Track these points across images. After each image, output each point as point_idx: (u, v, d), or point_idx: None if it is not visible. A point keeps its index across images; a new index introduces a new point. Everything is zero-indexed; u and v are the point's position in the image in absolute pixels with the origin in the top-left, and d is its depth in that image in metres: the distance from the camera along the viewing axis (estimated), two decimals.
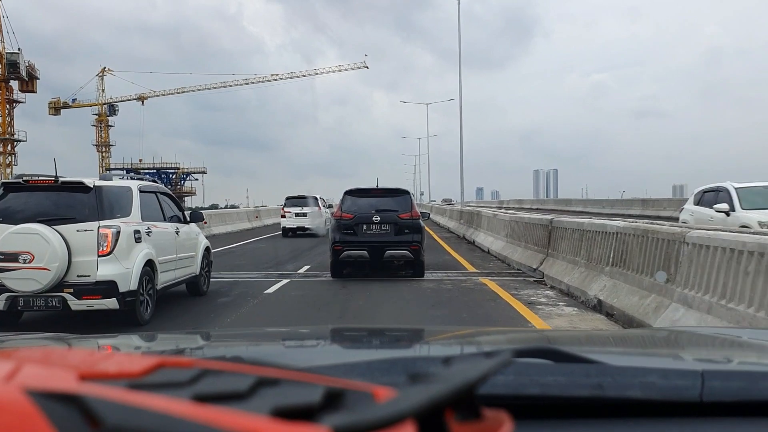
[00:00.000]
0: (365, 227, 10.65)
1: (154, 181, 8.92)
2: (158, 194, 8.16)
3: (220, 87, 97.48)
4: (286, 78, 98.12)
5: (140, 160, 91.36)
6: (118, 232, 6.59)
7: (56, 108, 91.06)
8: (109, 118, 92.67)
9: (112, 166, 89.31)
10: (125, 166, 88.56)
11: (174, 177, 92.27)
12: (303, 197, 24.56)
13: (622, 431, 0.89)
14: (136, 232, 6.94)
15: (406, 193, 11.46)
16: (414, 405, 0.50)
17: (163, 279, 7.56)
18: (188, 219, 8.89)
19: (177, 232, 8.21)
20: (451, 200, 65.94)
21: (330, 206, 24.42)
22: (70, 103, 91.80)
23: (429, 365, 0.90)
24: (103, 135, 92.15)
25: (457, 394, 0.55)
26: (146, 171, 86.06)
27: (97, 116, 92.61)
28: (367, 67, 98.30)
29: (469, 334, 2.18)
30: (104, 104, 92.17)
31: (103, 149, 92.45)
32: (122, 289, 6.48)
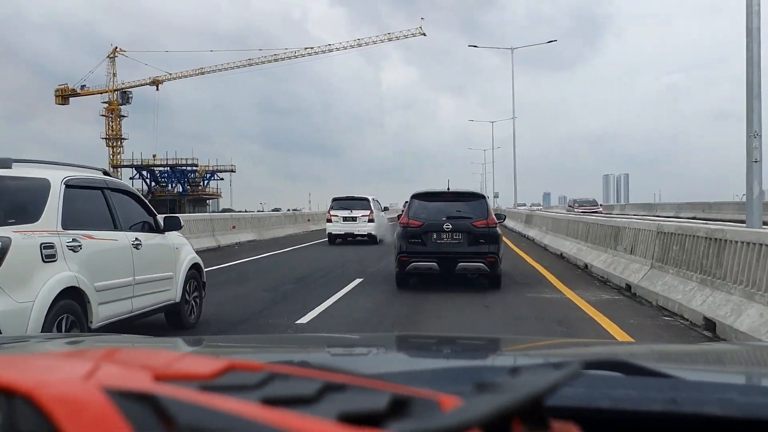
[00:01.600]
0: (435, 236, 9.59)
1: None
2: (107, 191, 5.85)
3: (245, 65, 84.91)
4: (324, 52, 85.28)
5: (154, 156, 79.61)
6: (6, 247, 4.40)
7: (63, 96, 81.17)
8: (122, 107, 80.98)
9: (123, 162, 79.12)
10: (135, 163, 78.41)
11: (194, 176, 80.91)
12: (353, 198, 21.72)
13: None
14: (47, 246, 4.72)
15: (481, 197, 10.42)
16: (481, 414, 0.50)
17: (106, 313, 5.34)
18: (162, 227, 6.67)
19: (136, 246, 5.95)
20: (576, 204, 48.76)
21: (386, 209, 23.28)
22: (79, 90, 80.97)
23: (496, 375, 0.88)
24: (114, 127, 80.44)
25: (525, 404, 0.54)
26: (160, 168, 78.61)
27: (107, 105, 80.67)
28: (425, 35, 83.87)
29: (538, 344, 2.15)
30: (115, 91, 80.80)
31: (114, 143, 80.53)
32: (9, 334, 4.06)
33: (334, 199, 21.98)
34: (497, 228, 9.80)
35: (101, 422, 0.46)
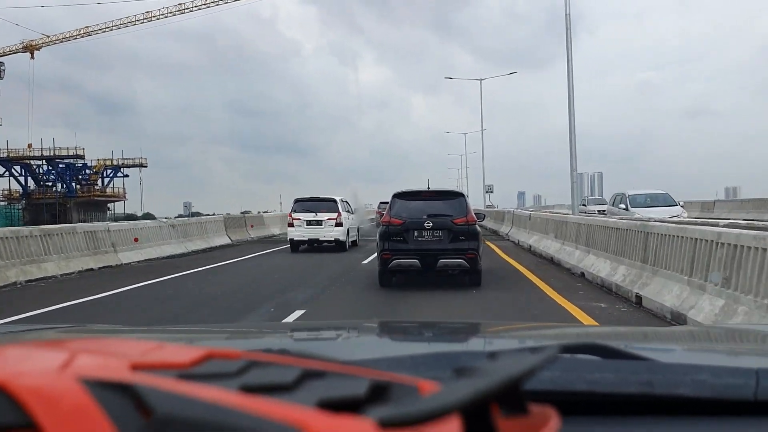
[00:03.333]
0: (416, 234, 9.79)
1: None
2: None
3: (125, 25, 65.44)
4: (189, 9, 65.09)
5: (29, 146, 61.94)
6: None
7: None
8: None
9: None
10: (1, 154, 60.40)
11: (88, 173, 63.95)
12: (318, 199, 18.91)
13: (671, 429, 0.87)
14: None
15: (460, 195, 10.58)
16: (459, 399, 0.50)
17: None
18: None
19: None
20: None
21: (353, 211, 20.29)
22: None
23: (474, 360, 0.89)
24: None
25: (503, 388, 0.55)
26: (38, 162, 61.20)
27: None
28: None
29: (516, 329, 2.17)
30: None
31: None
32: None
33: (297, 201, 19.18)
34: (477, 225, 9.98)
35: (78, 412, 0.46)
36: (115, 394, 0.49)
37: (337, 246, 18.16)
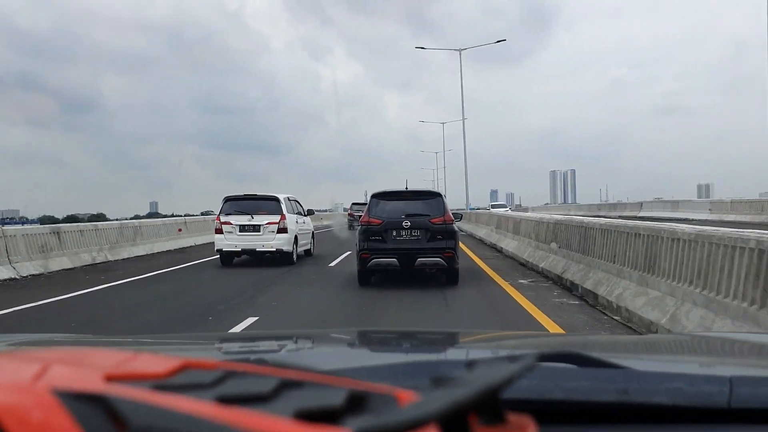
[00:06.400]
0: (395, 233, 9.96)
1: None
2: None
3: None
4: None
5: None
6: None
7: None
8: None
9: None
10: None
11: None
12: (255, 197, 14.73)
13: None
14: None
15: (438, 195, 10.74)
16: (437, 409, 0.50)
17: None
18: None
19: None
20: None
21: (310, 213, 16.77)
22: None
23: (452, 369, 0.89)
24: None
25: (481, 398, 0.55)
26: None
27: None
28: None
29: (493, 338, 2.17)
30: None
31: None
32: None
33: (227, 199, 14.64)
34: (454, 225, 10.18)
35: (51, 425, 0.45)
36: (89, 406, 0.48)
37: (281, 257, 14.20)
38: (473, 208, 42.38)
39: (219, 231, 14.26)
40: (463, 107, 38.46)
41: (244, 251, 14.18)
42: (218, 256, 14.46)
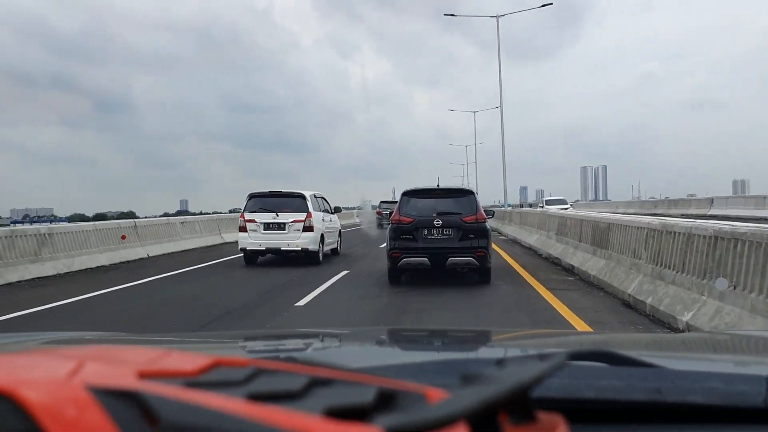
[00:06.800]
0: (425, 232, 9.77)
1: None
2: None
3: None
4: None
5: None
6: None
7: None
8: None
9: None
10: None
11: None
12: (280, 194, 14.14)
13: None
14: None
15: (470, 193, 10.58)
16: (466, 407, 0.50)
17: None
18: None
19: None
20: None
21: (336, 210, 16.23)
22: None
23: (482, 367, 0.89)
24: None
25: (510, 396, 0.55)
26: None
27: None
28: None
29: (523, 336, 2.16)
30: None
31: None
32: None
33: (252, 196, 14.16)
34: (486, 223, 9.95)
35: (85, 421, 0.46)
36: (122, 403, 0.49)
37: (306, 257, 13.70)
38: (510, 205, 37.51)
39: (243, 229, 13.80)
40: (501, 88, 33.61)
41: (268, 250, 13.74)
42: (242, 254, 14.04)
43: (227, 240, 20.32)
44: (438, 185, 10.67)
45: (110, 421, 0.46)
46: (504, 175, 33.87)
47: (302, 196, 13.99)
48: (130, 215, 44.39)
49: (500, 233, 22.80)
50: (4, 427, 0.46)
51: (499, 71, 33.56)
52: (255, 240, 13.67)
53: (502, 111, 32.80)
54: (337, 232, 16.13)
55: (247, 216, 13.78)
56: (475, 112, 58.56)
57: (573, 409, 0.83)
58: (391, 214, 10.62)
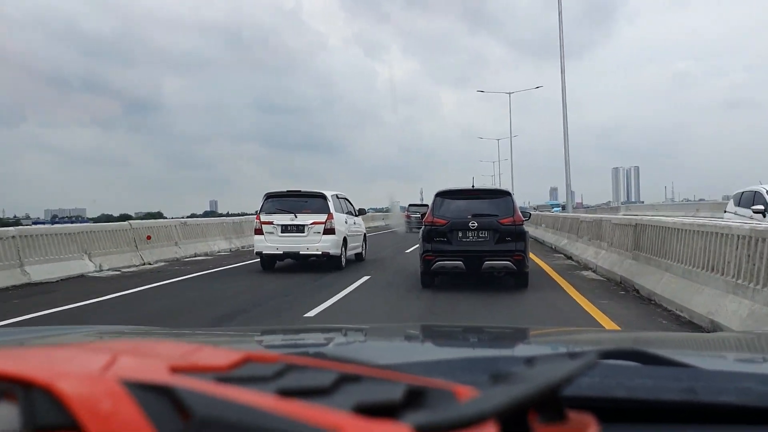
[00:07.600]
0: (460, 234, 9.42)
1: None
2: None
3: None
4: None
5: None
6: None
7: None
8: None
9: None
10: None
11: None
12: (299, 194, 13.11)
13: None
14: None
15: (507, 194, 10.09)
16: (496, 405, 0.50)
17: None
18: None
19: None
20: None
21: (361, 212, 15.26)
22: None
23: (511, 365, 0.88)
24: None
25: (541, 395, 0.54)
26: None
27: None
28: None
29: (553, 333, 2.14)
30: None
31: None
32: None
33: (269, 196, 13.14)
34: (523, 225, 9.64)
35: (119, 414, 0.47)
36: (155, 396, 0.49)
37: (328, 262, 12.77)
38: (556, 206, 33.52)
39: (259, 231, 12.82)
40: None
41: (286, 254, 12.80)
42: (258, 259, 13.09)
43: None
44: (473, 186, 10.42)
45: (144, 415, 0.47)
46: (567, 167, 25.09)
47: (323, 196, 13.01)
48: (157, 216, 43.89)
49: (542, 241, 20.06)
50: (41, 419, 0.47)
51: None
52: (272, 243, 12.74)
53: (564, 86, 25.22)
54: (362, 236, 15.12)
55: (264, 218, 12.86)
56: (510, 93, 51.14)
57: (604, 408, 0.82)
58: (422, 217, 10.22)
